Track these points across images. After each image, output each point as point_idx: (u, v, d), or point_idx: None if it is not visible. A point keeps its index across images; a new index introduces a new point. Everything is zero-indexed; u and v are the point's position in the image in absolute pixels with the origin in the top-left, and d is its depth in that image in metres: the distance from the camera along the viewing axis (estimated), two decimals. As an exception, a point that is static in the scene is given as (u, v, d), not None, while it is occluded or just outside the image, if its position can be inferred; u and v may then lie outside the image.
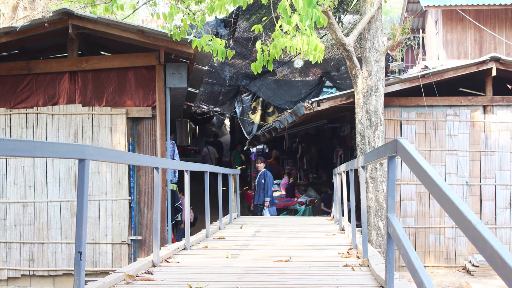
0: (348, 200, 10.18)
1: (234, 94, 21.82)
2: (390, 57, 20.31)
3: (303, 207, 19.50)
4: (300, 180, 24.33)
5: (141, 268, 6.59)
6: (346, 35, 13.77)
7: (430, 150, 14.03)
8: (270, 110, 20.94)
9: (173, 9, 11.08)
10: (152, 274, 6.46)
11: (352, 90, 13.55)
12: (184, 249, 8.71)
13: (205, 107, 22.26)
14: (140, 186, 12.77)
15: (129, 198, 12.63)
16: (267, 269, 6.86)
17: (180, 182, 14.12)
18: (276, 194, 20.83)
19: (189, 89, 15.53)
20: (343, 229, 11.02)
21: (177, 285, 5.81)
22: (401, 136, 13.96)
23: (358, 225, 10.66)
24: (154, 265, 6.97)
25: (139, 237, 12.66)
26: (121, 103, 12.78)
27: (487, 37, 24.71)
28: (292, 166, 25.99)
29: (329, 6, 12.04)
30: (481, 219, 13.56)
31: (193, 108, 21.94)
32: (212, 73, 19.77)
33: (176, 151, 14.55)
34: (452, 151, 14.01)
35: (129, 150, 12.52)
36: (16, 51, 13.76)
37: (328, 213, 17.57)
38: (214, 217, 12.61)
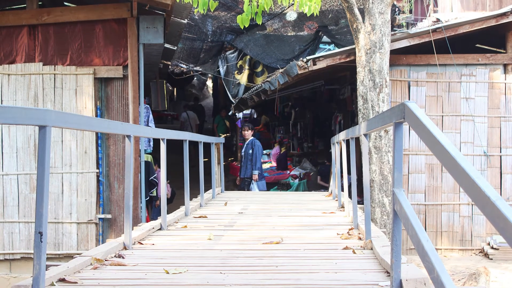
0: (349, 173, 10.21)
1: (217, 51, 21.78)
2: (397, 9, 20.24)
3: (296, 181, 19.58)
4: (293, 150, 24.42)
5: (111, 251, 6.59)
6: (347, -17, 13.69)
7: (442, 116, 14.05)
8: (259, 69, 20.91)
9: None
10: (123, 258, 6.46)
11: (353, 46, 13.52)
12: (160, 229, 8.72)
13: (184, 66, 22.22)
14: (110, 157, 12.76)
15: (97, 170, 12.62)
16: (255, 252, 6.88)
17: (155, 153, 14.09)
18: (265, 166, 20.89)
19: (166, 45, 15.45)
20: (342, 206, 11.07)
21: (152, 271, 5.81)
22: (409, 99, 13.96)
23: (360, 201, 10.70)
24: (125, 248, 6.97)
25: (109, 216, 12.67)
26: (88, 62, 12.70)
27: (508, -14, 24.64)
28: (284, 134, 26.06)
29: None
30: (501, 194, 13.59)
31: (170, 67, 21.89)
32: (192, 27, 19.70)
33: (151, 116, 14.53)
34: (467, 117, 14.02)
35: (97, 116, 12.49)
36: (-34, 1, 13.65)
37: (326, 188, 17.65)
38: (194, 193, 12.63)
